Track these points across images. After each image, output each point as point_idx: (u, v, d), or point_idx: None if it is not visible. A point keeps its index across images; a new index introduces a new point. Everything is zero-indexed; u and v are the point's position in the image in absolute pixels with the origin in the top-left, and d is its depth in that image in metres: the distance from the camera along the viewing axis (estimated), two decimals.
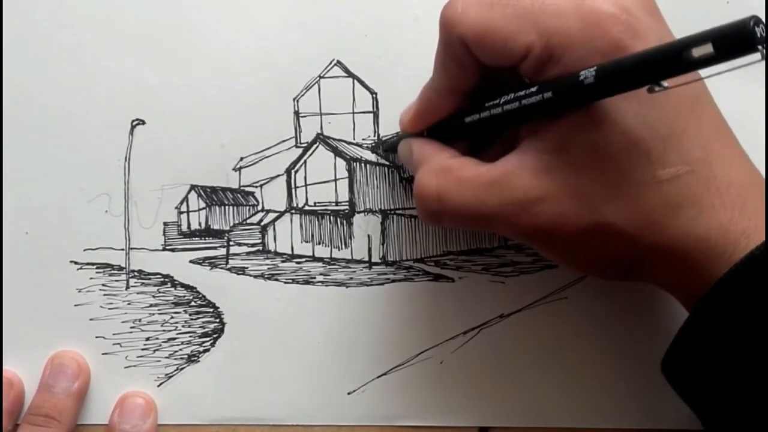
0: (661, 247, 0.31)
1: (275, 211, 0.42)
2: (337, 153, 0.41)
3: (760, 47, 0.25)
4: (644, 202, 0.31)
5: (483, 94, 0.34)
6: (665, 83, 0.28)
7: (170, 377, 0.41)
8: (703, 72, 0.28)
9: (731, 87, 0.40)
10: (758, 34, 0.25)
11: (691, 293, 0.32)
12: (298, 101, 0.41)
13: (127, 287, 0.41)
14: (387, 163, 0.41)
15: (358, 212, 0.41)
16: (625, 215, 0.31)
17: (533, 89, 0.31)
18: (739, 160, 0.33)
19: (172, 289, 0.41)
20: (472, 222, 0.33)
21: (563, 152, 0.31)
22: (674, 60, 0.27)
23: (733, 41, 0.25)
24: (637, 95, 0.30)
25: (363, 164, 0.41)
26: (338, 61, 0.40)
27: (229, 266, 0.41)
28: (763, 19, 0.25)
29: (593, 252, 0.32)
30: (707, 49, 0.26)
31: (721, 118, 0.33)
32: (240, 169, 0.41)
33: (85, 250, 0.41)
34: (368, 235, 0.41)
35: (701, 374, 0.31)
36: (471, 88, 0.35)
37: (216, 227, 0.41)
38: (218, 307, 0.41)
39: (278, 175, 0.41)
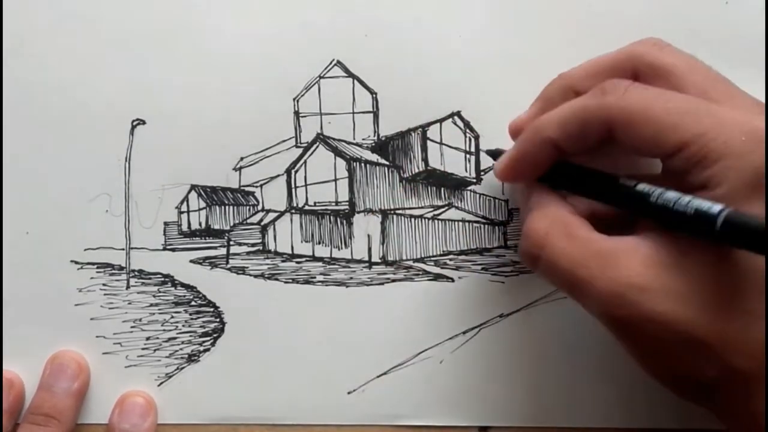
0: (746, 376, 0.30)
1: (275, 211, 0.42)
2: (337, 153, 0.41)
3: None
4: (746, 331, 0.29)
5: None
6: None
7: (170, 377, 0.41)
8: None
9: None
10: None
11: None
12: (298, 101, 0.41)
13: (128, 287, 0.41)
14: (387, 163, 0.41)
15: (358, 212, 0.41)
16: (722, 336, 0.30)
17: (664, 195, 0.30)
18: None
19: (173, 288, 0.41)
20: (566, 282, 0.32)
21: (685, 255, 0.30)
22: None
23: None
24: None
25: (363, 164, 0.41)
26: (338, 61, 0.40)
27: (229, 266, 0.41)
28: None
29: (675, 361, 0.31)
30: None
31: None
32: (240, 169, 0.41)
33: (85, 249, 0.41)
34: (368, 235, 0.41)
35: None
36: (576, 152, 0.34)
37: (216, 227, 0.41)
38: (218, 307, 0.41)
39: (278, 175, 0.41)
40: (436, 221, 0.41)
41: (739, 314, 0.30)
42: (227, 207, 0.41)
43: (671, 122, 0.30)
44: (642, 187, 0.31)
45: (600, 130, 0.32)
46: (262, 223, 0.42)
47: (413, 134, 0.41)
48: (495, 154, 0.39)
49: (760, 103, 0.33)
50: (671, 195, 0.30)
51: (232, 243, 0.41)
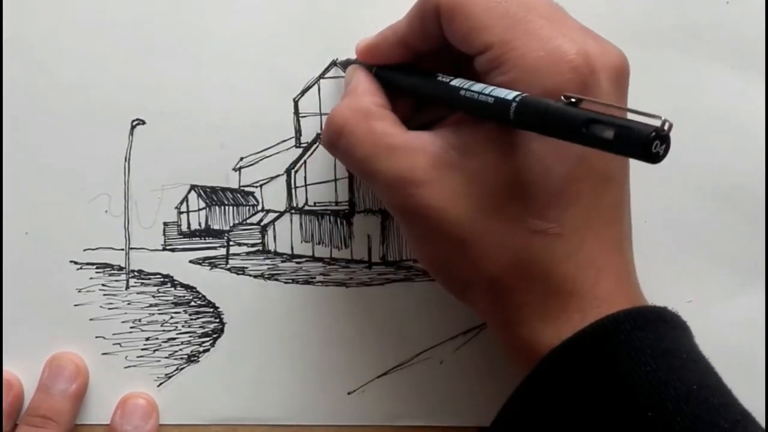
0: (499, 284, 0.32)
1: (275, 211, 0.42)
2: None
3: (652, 158, 0.25)
4: (505, 238, 0.31)
5: (440, 59, 0.35)
6: None
7: (170, 377, 0.41)
8: None
9: (731, 87, 0.41)
10: (653, 149, 0.25)
11: (523, 357, 0.32)
12: (298, 101, 0.41)
13: (127, 287, 0.41)
14: None
15: (358, 212, 0.41)
16: (484, 239, 0.31)
17: (472, 87, 0.31)
18: (614, 243, 0.32)
19: (172, 289, 0.41)
20: (359, 170, 0.34)
21: (466, 157, 0.32)
22: (575, 127, 0.26)
23: (629, 142, 0.25)
24: (556, 146, 0.30)
25: None
26: (338, 61, 0.40)
27: (229, 266, 0.41)
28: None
29: (440, 254, 0.33)
30: (609, 134, 0.26)
31: (619, 202, 0.33)
32: (240, 169, 0.41)
33: (84, 250, 0.41)
34: (368, 235, 0.41)
35: None
36: (425, 51, 0.35)
37: (216, 227, 0.41)
38: (218, 307, 0.41)
39: (278, 175, 0.41)
40: None
41: (501, 219, 0.31)
42: (227, 207, 0.41)
43: (485, 22, 0.31)
44: (456, 81, 0.32)
45: (434, 23, 0.33)
46: (262, 224, 0.42)
47: None
48: (346, 63, 0.40)
49: (587, 29, 0.33)
50: (478, 87, 0.31)
51: (231, 243, 0.41)
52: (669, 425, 0.28)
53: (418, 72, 0.36)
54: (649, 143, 0.25)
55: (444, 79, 0.34)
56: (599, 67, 0.31)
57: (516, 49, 0.31)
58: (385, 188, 0.33)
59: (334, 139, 0.34)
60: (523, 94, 0.29)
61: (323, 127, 0.35)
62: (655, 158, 0.25)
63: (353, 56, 0.39)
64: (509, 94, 0.29)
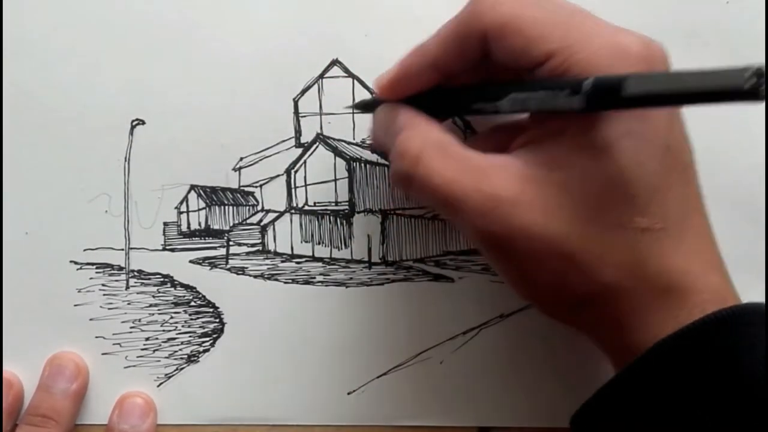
0: (617, 290, 0.31)
1: (275, 211, 0.42)
2: (337, 153, 0.41)
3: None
4: (613, 243, 0.30)
5: (466, 82, 0.34)
6: None
7: (170, 377, 0.41)
8: None
9: None
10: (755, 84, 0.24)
11: (626, 351, 0.31)
12: (298, 101, 0.41)
13: (127, 287, 0.41)
14: (387, 163, 0.41)
15: (358, 212, 0.41)
16: (591, 249, 0.30)
17: (530, 91, 0.31)
18: (708, 232, 0.32)
19: (172, 289, 0.41)
20: (441, 199, 0.32)
21: (554, 170, 0.31)
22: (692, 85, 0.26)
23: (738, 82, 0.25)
24: (642, 139, 0.30)
25: (363, 164, 0.41)
26: (338, 61, 0.40)
27: (228, 266, 0.41)
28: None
29: (546, 279, 0.31)
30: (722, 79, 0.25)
31: (699, 187, 0.33)
32: (240, 169, 0.41)
33: (84, 250, 0.41)
34: (368, 235, 0.41)
35: None
36: (458, 72, 0.34)
37: (216, 227, 0.41)
38: (218, 307, 0.41)
39: (278, 175, 0.41)
40: (436, 221, 0.41)
41: (604, 224, 0.30)
42: (227, 207, 0.41)
43: (539, 33, 0.31)
44: (512, 99, 0.31)
45: (476, 42, 0.32)
46: (262, 224, 0.42)
47: None
48: (365, 105, 0.38)
49: (616, 30, 0.33)
50: (536, 99, 0.30)
51: (231, 243, 0.41)
52: None
53: (448, 91, 0.34)
54: (760, 78, 0.24)
55: (496, 90, 0.32)
56: (658, 56, 0.31)
57: (580, 51, 0.30)
58: (474, 213, 0.31)
59: (411, 168, 0.32)
60: (592, 78, 0.28)
61: (393, 161, 0.33)
62: (759, 95, 0.24)
63: (348, 59, 0.38)
64: (576, 83, 0.29)
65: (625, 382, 0.31)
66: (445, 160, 0.32)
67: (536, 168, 0.31)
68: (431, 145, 0.32)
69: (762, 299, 0.40)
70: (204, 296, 0.41)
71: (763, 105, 0.40)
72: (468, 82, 0.35)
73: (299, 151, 0.41)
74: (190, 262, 0.41)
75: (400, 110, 0.34)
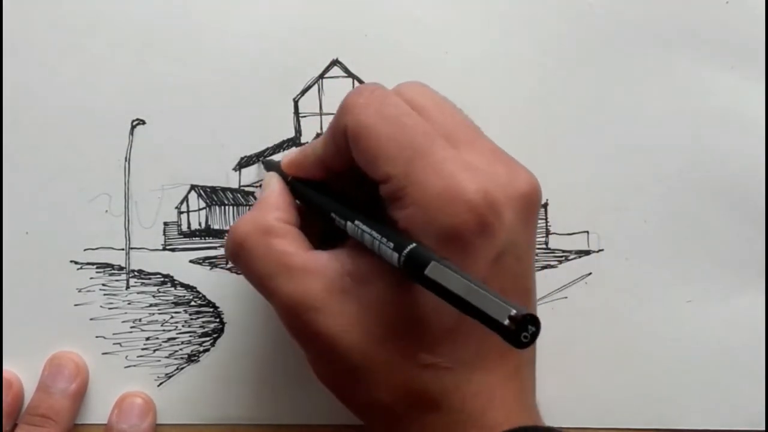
0: (391, 410, 0.32)
1: None
2: None
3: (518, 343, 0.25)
4: (394, 369, 0.31)
5: (356, 182, 0.34)
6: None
7: (170, 377, 0.41)
8: None
9: (731, 87, 0.41)
10: (522, 336, 0.25)
11: None
12: (298, 101, 0.41)
13: (128, 287, 0.41)
14: None
15: None
16: (374, 368, 0.31)
17: (365, 228, 0.31)
18: (512, 375, 0.32)
19: (172, 288, 0.41)
20: (257, 286, 0.34)
21: (363, 284, 0.31)
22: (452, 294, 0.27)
23: (494, 322, 0.26)
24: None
25: None
26: (338, 61, 0.40)
27: (229, 266, 0.41)
28: None
29: (335, 379, 0.33)
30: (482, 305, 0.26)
31: None
32: (240, 169, 0.41)
33: (85, 249, 0.41)
34: None
35: None
36: (342, 170, 0.34)
37: (216, 227, 0.41)
38: (218, 307, 0.41)
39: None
40: None
41: (392, 350, 0.31)
42: (227, 207, 0.41)
43: (388, 152, 0.31)
44: (351, 226, 0.32)
45: (346, 145, 0.32)
46: None
47: None
48: (267, 165, 0.40)
49: (498, 150, 0.33)
50: (372, 227, 0.31)
51: None
52: None
53: (327, 193, 0.35)
54: (518, 330, 0.25)
55: (342, 207, 0.33)
56: (502, 200, 0.30)
57: (415, 183, 0.30)
58: (281, 311, 0.33)
59: (235, 252, 0.34)
60: (411, 246, 0.29)
61: (227, 236, 0.35)
62: (520, 343, 0.25)
63: (348, 59, 0.38)
64: (400, 244, 0.29)
65: None
66: (266, 252, 0.33)
67: (345, 278, 0.32)
68: (259, 233, 0.33)
69: (762, 299, 0.40)
70: (204, 296, 0.41)
71: (763, 105, 0.40)
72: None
73: None
74: (191, 261, 0.41)
75: (271, 182, 0.36)
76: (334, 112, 0.40)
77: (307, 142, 0.41)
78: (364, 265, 0.32)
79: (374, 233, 0.31)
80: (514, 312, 0.25)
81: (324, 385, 0.34)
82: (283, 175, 0.36)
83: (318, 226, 0.35)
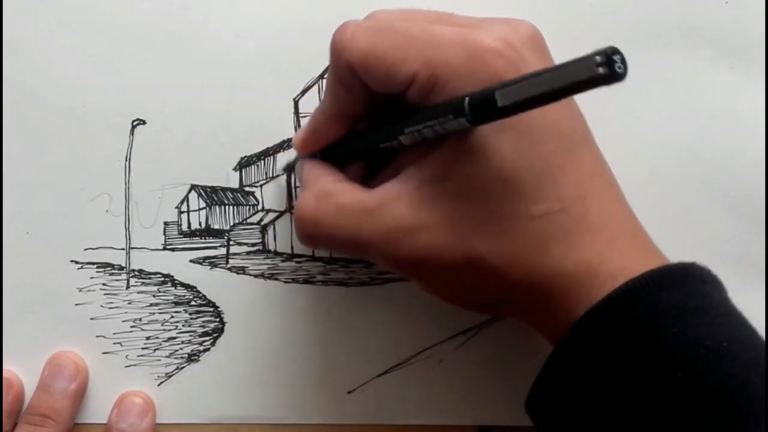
0: (530, 283, 0.31)
1: (275, 211, 0.42)
2: None
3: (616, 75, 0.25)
4: (515, 237, 0.31)
5: (373, 118, 0.34)
6: None
7: (170, 376, 0.41)
8: None
9: (731, 87, 0.41)
10: (616, 66, 0.25)
11: (556, 332, 0.32)
12: (298, 101, 0.41)
13: (128, 287, 0.41)
14: None
15: None
16: (496, 250, 0.31)
17: (419, 125, 0.31)
18: (613, 199, 0.33)
19: (173, 288, 0.41)
20: (349, 249, 0.34)
21: (442, 182, 0.31)
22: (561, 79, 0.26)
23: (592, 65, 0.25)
24: (516, 129, 0.30)
25: None
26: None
27: (229, 266, 0.41)
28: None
29: (464, 286, 0.33)
30: (589, 66, 0.25)
31: (599, 158, 0.33)
32: (240, 168, 0.41)
33: (85, 249, 0.41)
34: None
35: (560, 416, 0.32)
36: (359, 113, 0.35)
37: (216, 227, 0.41)
38: (218, 307, 0.41)
39: (278, 175, 0.41)
40: None
41: (502, 222, 0.31)
42: (227, 207, 0.41)
43: (398, 56, 0.31)
44: (407, 136, 0.32)
45: (352, 80, 0.33)
46: (262, 223, 0.42)
47: None
48: (289, 166, 0.40)
49: (486, 17, 0.33)
50: (421, 115, 0.31)
51: (231, 243, 0.41)
52: (699, 385, 0.28)
53: (356, 136, 0.35)
54: (611, 60, 0.25)
55: (379, 129, 0.33)
56: (518, 43, 0.31)
57: (440, 64, 0.30)
58: (380, 249, 0.32)
59: (312, 231, 0.34)
60: (466, 98, 0.29)
61: (295, 226, 0.34)
62: (619, 75, 0.25)
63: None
64: (454, 107, 0.29)
65: (556, 366, 0.32)
66: (340, 213, 0.33)
67: (426, 186, 0.32)
68: (324, 201, 0.33)
69: (762, 299, 0.40)
70: (204, 296, 0.41)
71: (763, 105, 0.40)
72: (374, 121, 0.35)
73: None
74: (191, 261, 0.41)
75: (304, 166, 0.36)
76: None
77: None
78: (434, 163, 0.31)
79: (429, 121, 0.30)
80: (597, 57, 0.25)
81: (451, 302, 0.34)
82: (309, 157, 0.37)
83: (359, 179, 0.35)
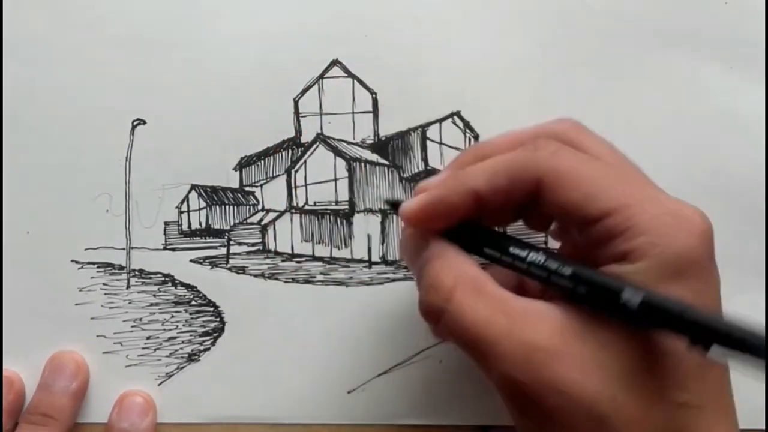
0: None
1: (275, 211, 0.42)
2: (337, 153, 0.41)
3: None
4: (650, 413, 0.29)
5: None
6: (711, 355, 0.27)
7: (171, 376, 0.41)
8: None
9: (731, 87, 0.41)
10: None
11: None
12: (298, 101, 0.41)
13: (128, 286, 0.41)
14: (387, 163, 0.41)
15: (358, 212, 0.41)
16: (628, 415, 0.29)
17: (567, 272, 0.29)
18: (734, 410, 0.31)
19: (173, 288, 0.41)
20: (471, 340, 0.30)
21: (596, 328, 0.29)
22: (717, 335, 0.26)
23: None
24: None
25: (363, 164, 0.41)
26: (338, 61, 0.41)
27: (229, 265, 0.41)
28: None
29: None
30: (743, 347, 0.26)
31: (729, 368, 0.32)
32: (240, 168, 0.41)
33: (86, 249, 0.41)
34: (368, 235, 0.41)
35: None
36: (496, 207, 0.32)
37: (216, 227, 0.41)
38: (218, 306, 0.41)
39: (278, 175, 0.41)
40: None
41: (642, 392, 0.29)
42: (227, 207, 0.41)
43: (600, 187, 0.30)
44: (563, 267, 0.30)
45: (528, 186, 0.31)
46: (262, 223, 0.42)
47: (413, 134, 0.41)
48: (395, 204, 0.36)
49: (672, 198, 0.32)
50: (587, 273, 0.29)
51: (232, 243, 0.41)
52: None
53: (508, 239, 0.32)
54: None
55: (541, 259, 0.30)
56: (710, 230, 0.30)
57: (642, 212, 0.29)
58: (506, 359, 0.29)
59: (443, 303, 0.30)
60: (644, 292, 0.28)
61: (424, 294, 0.31)
62: None
63: (348, 59, 0.38)
64: (617, 290, 0.28)
65: None
66: (480, 299, 0.30)
67: (578, 322, 0.29)
68: (466, 280, 0.30)
69: (762, 299, 0.40)
70: (204, 295, 0.41)
71: (763, 105, 0.40)
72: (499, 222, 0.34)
73: (299, 151, 0.41)
74: (191, 261, 0.41)
75: (433, 239, 0.32)
76: (334, 112, 0.41)
77: (306, 142, 0.41)
78: (587, 311, 0.29)
79: (590, 274, 0.29)
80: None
81: None
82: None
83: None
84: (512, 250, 0.31)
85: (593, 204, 0.30)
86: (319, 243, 0.42)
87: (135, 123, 0.41)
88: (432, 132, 0.41)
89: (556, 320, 0.29)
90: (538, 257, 0.30)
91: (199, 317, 0.41)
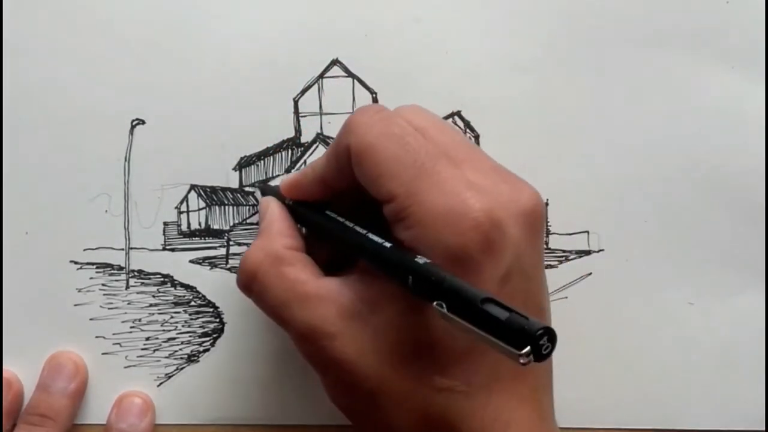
0: (403, 430, 0.31)
1: None
2: None
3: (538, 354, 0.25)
4: (410, 394, 0.31)
5: (360, 202, 0.34)
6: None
7: (170, 377, 0.41)
8: None
9: (731, 87, 0.41)
10: (543, 349, 0.25)
11: None
12: (298, 101, 0.41)
13: (127, 287, 0.41)
14: None
15: None
16: (391, 393, 0.31)
17: (376, 240, 0.31)
18: (529, 397, 0.32)
19: (172, 288, 0.41)
20: (272, 316, 0.34)
21: (375, 310, 0.31)
22: (470, 302, 0.27)
23: (519, 330, 0.26)
24: None
25: None
26: (338, 61, 0.41)
27: (229, 266, 0.41)
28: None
29: (353, 404, 0.33)
30: (502, 315, 0.26)
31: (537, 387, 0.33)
32: (240, 168, 0.41)
33: (85, 249, 0.41)
34: None
35: None
36: (341, 189, 0.34)
37: (216, 227, 0.41)
38: (218, 307, 0.41)
39: (278, 175, 0.41)
40: None
41: (408, 375, 0.31)
42: (227, 207, 0.41)
43: (392, 171, 0.31)
44: (362, 232, 0.32)
45: (347, 162, 0.32)
46: None
47: None
48: (264, 190, 0.40)
49: (499, 168, 0.33)
50: (383, 244, 0.31)
51: (231, 243, 0.41)
52: None
53: (331, 214, 0.35)
54: (538, 337, 0.25)
55: (352, 226, 0.33)
56: (506, 217, 0.30)
57: (420, 203, 0.30)
58: (297, 338, 0.33)
59: (248, 283, 0.34)
60: (425, 263, 0.29)
61: (238, 269, 0.35)
62: (540, 356, 0.25)
63: (348, 59, 0.38)
64: (410, 261, 0.29)
65: None
66: (279, 281, 0.33)
67: (358, 304, 0.32)
68: (270, 261, 0.34)
69: (762, 299, 0.40)
70: (204, 296, 0.41)
71: (763, 105, 0.40)
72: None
73: (299, 151, 0.41)
74: (190, 261, 0.41)
75: (270, 208, 0.37)
76: (334, 112, 0.41)
77: (306, 142, 0.41)
78: (376, 288, 0.32)
79: (383, 244, 0.31)
80: (524, 350, 0.25)
81: (341, 411, 0.34)
82: (281, 200, 0.37)
83: (323, 249, 0.36)
84: (329, 213, 0.35)
85: (382, 185, 0.31)
86: None
87: (134, 123, 0.40)
88: None
89: (342, 304, 0.32)
90: (346, 222, 0.34)
91: (198, 318, 0.41)
